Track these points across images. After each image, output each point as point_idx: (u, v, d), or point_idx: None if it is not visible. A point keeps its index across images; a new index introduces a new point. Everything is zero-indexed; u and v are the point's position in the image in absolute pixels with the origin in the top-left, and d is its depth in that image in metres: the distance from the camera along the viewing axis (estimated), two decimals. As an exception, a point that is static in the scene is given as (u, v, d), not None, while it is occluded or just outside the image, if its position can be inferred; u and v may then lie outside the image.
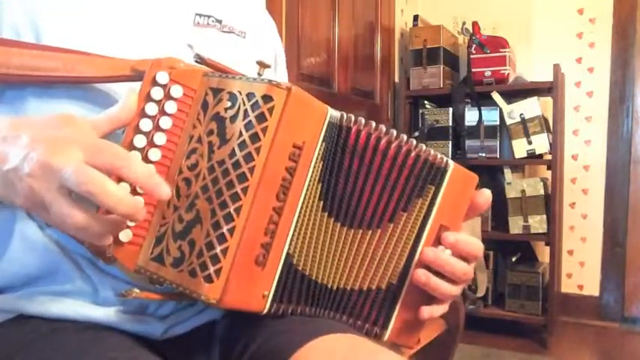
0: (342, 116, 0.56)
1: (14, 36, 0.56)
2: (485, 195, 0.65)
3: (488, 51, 2.48)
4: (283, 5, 1.88)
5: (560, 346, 2.41)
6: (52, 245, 0.57)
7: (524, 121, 2.40)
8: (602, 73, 2.66)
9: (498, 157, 2.47)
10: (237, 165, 0.51)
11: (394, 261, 0.62)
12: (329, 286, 0.60)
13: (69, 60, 0.55)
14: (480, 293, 2.47)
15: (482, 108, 2.47)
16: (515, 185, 2.47)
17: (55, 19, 0.57)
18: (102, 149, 0.46)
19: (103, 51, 0.56)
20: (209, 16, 0.66)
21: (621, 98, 2.63)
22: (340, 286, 0.61)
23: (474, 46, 2.52)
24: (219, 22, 0.67)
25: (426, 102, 2.64)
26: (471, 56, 2.52)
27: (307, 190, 0.55)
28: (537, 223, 2.41)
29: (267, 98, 0.50)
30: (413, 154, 0.59)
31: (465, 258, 0.63)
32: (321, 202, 0.57)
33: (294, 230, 0.55)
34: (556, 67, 2.37)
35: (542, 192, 2.41)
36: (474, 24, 2.56)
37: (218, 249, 0.50)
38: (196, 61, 0.56)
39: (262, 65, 0.54)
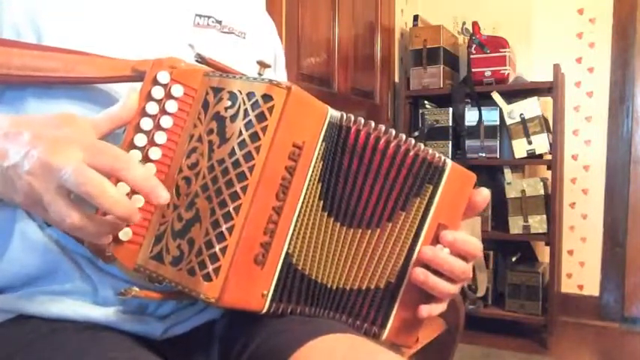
0: (341, 116, 0.56)
1: (15, 36, 0.56)
2: (483, 194, 0.65)
3: (488, 51, 2.49)
4: (283, 5, 1.88)
5: (560, 346, 2.41)
6: (52, 245, 0.57)
7: (524, 121, 2.40)
8: (602, 73, 2.66)
9: (498, 157, 2.48)
10: (236, 164, 0.51)
11: (393, 260, 0.62)
12: (328, 285, 0.60)
13: (69, 60, 0.55)
14: (480, 293, 2.47)
15: (482, 108, 2.47)
16: (515, 185, 2.47)
17: (55, 19, 0.57)
18: (102, 150, 0.46)
19: (104, 51, 0.56)
20: (209, 17, 0.67)
21: (621, 98, 2.63)
22: (339, 286, 0.61)
23: (474, 46, 2.52)
24: (219, 22, 0.68)
25: (426, 102, 2.64)
26: (471, 56, 2.52)
27: (307, 189, 0.55)
28: (537, 223, 2.41)
29: (267, 97, 0.51)
30: (411, 153, 0.60)
31: (463, 257, 0.63)
32: (321, 202, 0.57)
33: (294, 230, 0.55)
34: (556, 67, 2.37)
35: (542, 192, 2.42)
36: (474, 24, 2.56)
37: (217, 248, 0.50)
38: (197, 61, 0.56)
39: (263, 65, 0.55)
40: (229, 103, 0.52)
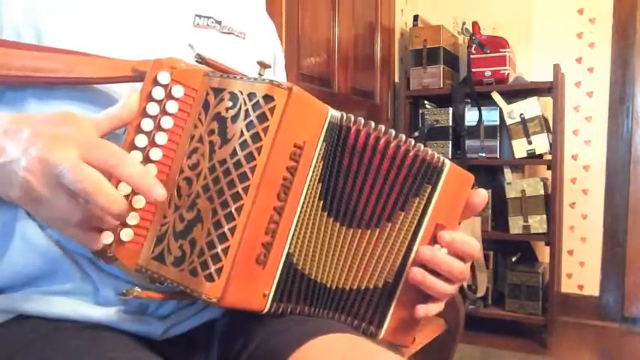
0: (342, 116, 0.56)
1: (15, 37, 0.56)
2: (482, 195, 0.65)
3: (488, 51, 2.49)
4: (283, 5, 1.88)
5: (560, 346, 2.41)
6: (53, 245, 0.57)
7: (524, 121, 2.40)
8: (602, 73, 2.66)
9: (498, 157, 2.48)
10: (238, 164, 0.51)
11: (391, 260, 0.62)
12: (327, 285, 0.60)
13: (69, 61, 0.55)
14: (480, 293, 2.47)
15: (482, 108, 2.47)
16: (515, 185, 2.47)
17: (55, 19, 0.57)
18: (98, 146, 0.47)
19: (104, 51, 0.56)
20: (209, 17, 0.67)
21: (621, 98, 2.64)
22: (338, 286, 0.61)
23: (474, 46, 2.52)
24: (219, 23, 0.68)
25: (426, 102, 2.64)
26: (471, 56, 2.52)
27: (308, 189, 0.55)
28: (537, 223, 2.41)
29: (268, 98, 0.51)
30: (411, 153, 0.60)
31: (461, 257, 0.63)
32: (321, 202, 0.57)
33: (295, 230, 0.55)
34: (556, 67, 2.37)
35: (542, 192, 2.42)
36: (474, 24, 2.56)
37: (219, 248, 0.50)
38: (197, 61, 0.56)
39: (263, 65, 0.55)
40: (230, 103, 0.52)
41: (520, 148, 2.42)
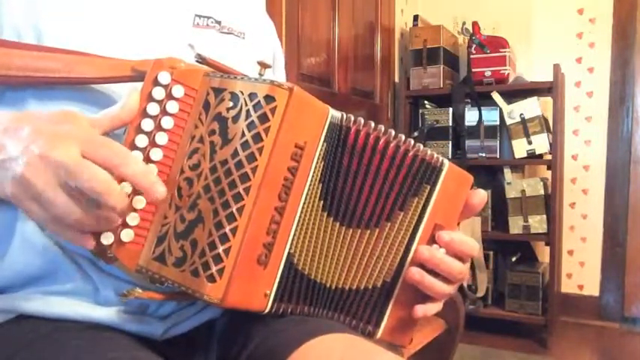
0: (342, 116, 0.56)
1: (15, 37, 0.56)
2: (480, 195, 0.65)
3: (489, 51, 2.49)
4: (283, 5, 1.88)
5: (560, 346, 2.41)
6: (53, 245, 0.57)
7: (524, 121, 2.40)
8: (602, 73, 2.66)
9: (498, 157, 2.47)
10: (239, 165, 0.51)
11: (390, 260, 0.62)
12: (327, 285, 0.60)
13: (69, 61, 0.55)
14: (480, 293, 2.47)
15: (482, 108, 2.47)
16: (515, 185, 2.47)
17: (55, 19, 0.57)
18: (102, 145, 0.47)
19: (104, 51, 0.56)
20: (208, 17, 0.67)
21: (621, 98, 2.64)
22: (338, 286, 0.61)
23: (474, 46, 2.52)
24: (219, 23, 0.68)
25: (426, 102, 2.64)
26: (471, 56, 2.52)
27: (308, 189, 0.55)
28: (537, 223, 2.41)
29: (269, 98, 0.51)
30: (410, 153, 0.60)
31: (460, 257, 0.63)
32: (322, 202, 0.57)
33: (296, 230, 0.55)
34: (556, 67, 2.37)
35: (542, 192, 2.42)
36: (474, 24, 2.56)
37: (220, 249, 0.50)
38: (197, 61, 0.56)
39: (263, 65, 0.55)
40: (231, 103, 0.52)
41: (520, 148, 2.42)
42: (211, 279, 0.50)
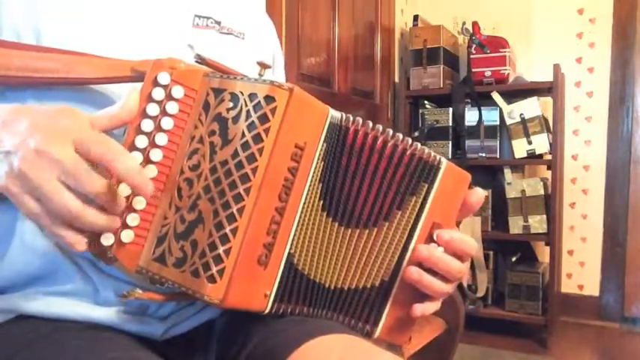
0: (342, 116, 0.56)
1: (15, 38, 0.56)
2: (478, 194, 0.65)
3: (489, 51, 2.49)
4: (283, 5, 1.88)
5: (560, 346, 2.41)
6: (53, 246, 0.57)
7: (524, 121, 2.40)
8: (602, 73, 2.66)
9: (498, 157, 2.47)
10: (240, 166, 0.51)
11: (388, 259, 0.62)
12: (326, 285, 0.60)
13: (69, 61, 0.55)
14: (480, 293, 2.47)
15: (482, 108, 2.47)
16: (515, 185, 2.46)
17: (55, 19, 0.57)
18: (97, 141, 0.47)
19: (103, 51, 0.56)
20: (208, 18, 0.67)
21: (621, 98, 2.63)
22: (337, 286, 0.61)
23: (474, 46, 2.52)
24: (218, 23, 0.68)
25: (426, 102, 2.64)
26: (471, 56, 2.52)
27: (308, 190, 0.55)
28: (537, 223, 2.41)
29: (269, 99, 0.51)
30: (408, 152, 0.60)
31: (459, 256, 0.63)
32: (321, 202, 0.57)
33: (296, 230, 0.55)
34: (556, 67, 2.37)
35: (542, 192, 2.41)
36: (474, 24, 2.56)
37: (221, 249, 0.50)
38: (197, 62, 0.56)
39: (263, 66, 0.55)
40: (231, 104, 0.52)
41: (520, 148, 2.42)
42: (212, 279, 0.50)
